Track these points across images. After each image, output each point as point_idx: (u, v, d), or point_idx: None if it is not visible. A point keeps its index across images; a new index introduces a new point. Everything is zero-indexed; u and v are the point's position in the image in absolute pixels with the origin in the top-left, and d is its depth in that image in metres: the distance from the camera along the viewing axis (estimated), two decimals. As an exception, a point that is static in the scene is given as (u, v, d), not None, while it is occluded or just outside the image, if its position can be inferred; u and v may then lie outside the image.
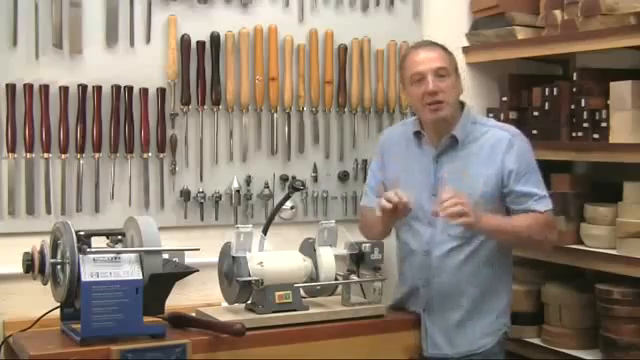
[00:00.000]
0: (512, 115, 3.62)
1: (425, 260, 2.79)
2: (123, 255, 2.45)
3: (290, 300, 2.66)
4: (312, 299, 2.80)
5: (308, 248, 2.81)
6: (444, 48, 2.86)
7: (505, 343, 2.90)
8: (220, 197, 3.25)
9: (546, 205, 2.79)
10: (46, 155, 2.99)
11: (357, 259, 2.81)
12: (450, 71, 2.79)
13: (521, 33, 3.48)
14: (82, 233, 2.47)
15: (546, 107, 3.41)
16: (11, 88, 2.94)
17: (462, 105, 2.87)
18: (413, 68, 2.78)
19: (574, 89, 3.30)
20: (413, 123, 2.92)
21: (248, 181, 3.29)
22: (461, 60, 3.73)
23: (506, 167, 2.76)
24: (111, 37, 3.09)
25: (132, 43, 3.12)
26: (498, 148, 2.77)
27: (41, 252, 2.47)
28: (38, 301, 2.60)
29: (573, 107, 3.29)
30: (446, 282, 2.77)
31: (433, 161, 2.81)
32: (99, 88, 3.06)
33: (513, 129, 2.88)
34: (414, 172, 2.84)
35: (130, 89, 3.11)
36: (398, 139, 2.95)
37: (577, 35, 3.17)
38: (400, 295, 2.91)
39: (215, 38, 3.23)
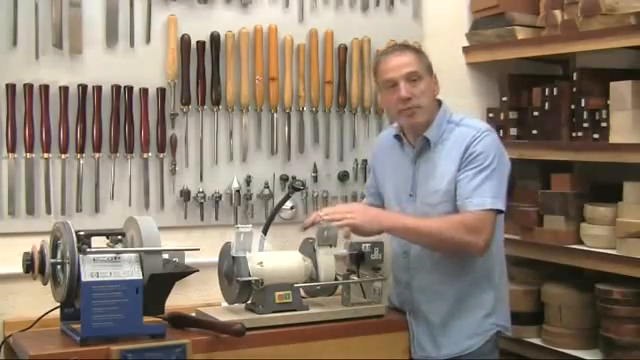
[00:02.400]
0: (512, 115, 3.62)
1: (405, 261, 2.80)
2: (123, 255, 2.45)
3: (290, 300, 2.66)
4: (312, 299, 2.80)
5: (308, 248, 2.81)
6: (416, 50, 2.84)
7: (497, 343, 2.83)
8: (220, 197, 3.25)
9: (480, 205, 2.63)
10: (46, 155, 2.99)
11: (357, 259, 2.81)
12: (422, 74, 2.74)
13: (521, 33, 3.48)
14: (82, 233, 2.47)
15: (546, 107, 3.41)
16: (11, 88, 2.94)
17: (440, 103, 2.82)
18: (385, 75, 2.75)
19: (574, 89, 3.30)
20: (395, 126, 2.91)
21: (248, 181, 3.29)
22: (461, 60, 3.74)
23: (463, 158, 2.69)
24: (111, 37, 3.09)
25: (132, 43, 3.12)
26: (462, 144, 2.70)
27: (41, 252, 2.47)
28: (38, 301, 2.60)
29: (573, 107, 3.29)
30: (425, 282, 2.76)
31: (412, 162, 2.80)
32: (99, 88, 3.06)
33: (483, 126, 2.78)
34: (397, 175, 2.84)
35: (130, 89, 3.11)
36: (385, 143, 2.95)
37: (577, 35, 3.17)
38: (391, 296, 2.91)
39: (215, 38, 3.23)
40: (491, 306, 2.76)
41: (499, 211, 2.67)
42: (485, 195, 2.64)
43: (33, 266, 2.46)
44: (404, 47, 2.86)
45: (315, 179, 3.39)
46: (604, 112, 3.14)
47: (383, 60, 2.79)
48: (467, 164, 2.67)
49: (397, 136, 2.87)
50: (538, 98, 3.46)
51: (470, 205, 2.63)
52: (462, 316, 2.73)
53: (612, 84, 3.10)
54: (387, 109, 2.97)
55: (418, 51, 2.84)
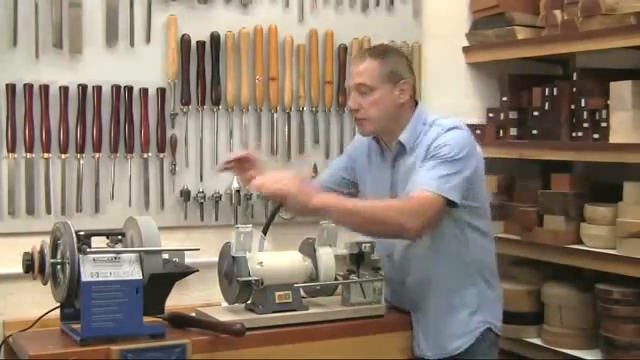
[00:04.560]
0: (512, 115, 3.63)
1: (390, 264, 2.79)
2: (123, 255, 2.45)
3: (290, 300, 2.66)
4: (312, 299, 2.80)
5: (308, 248, 2.81)
6: (378, 55, 2.70)
7: (494, 343, 2.77)
8: (220, 197, 3.25)
9: (424, 187, 2.52)
10: (46, 155, 3.00)
11: (357, 259, 2.81)
12: (375, 85, 2.64)
13: (521, 33, 3.48)
14: (82, 233, 2.46)
15: (546, 107, 3.41)
16: (11, 88, 2.94)
17: (416, 105, 2.75)
18: (349, 80, 2.76)
19: (574, 89, 3.30)
20: None
21: (248, 181, 3.29)
22: (461, 60, 3.75)
23: (424, 158, 2.62)
24: (111, 37, 3.09)
25: (132, 43, 3.13)
26: (430, 142, 2.64)
27: (41, 252, 2.47)
28: (38, 301, 2.59)
29: (573, 107, 3.30)
30: (411, 282, 2.74)
31: (390, 166, 2.76)
32: (99, 88, 3.06)
33: (450, 123, 2.66)
34: (377, 177, 2.81)
35: (130, 89, 3.11)
36: (367, 141, 2.87)
37: (577, 35, 3.17)
38: (386, 294, 2.90)
39: (215, 38, 3.23)
40: (475, 304, 2.71)
41: (452, 203, 2.55)
42: (432, 179, 2.53)
43: (33, 266, 2.45)
44: (367, 53, 2.75)
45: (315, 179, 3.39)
46: (604, 112, 3.14)
47: (352, 64, 2.79)
48: (427, 159, 2.60)
49: (375, 138, 2.82)
50: (538, 98, 3.46)
51: (415, 188, 2.55)
52: (446, 316, 2.71)
53: (612, 84, 3.10)
54: None
55: (381, 56, 2.71)
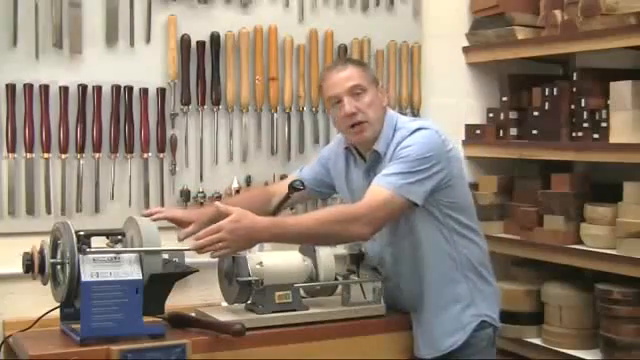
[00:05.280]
0: (512, 115, 3.63)
1: (384, 268, 2.77)
2: (123, 255, 2.45)
3: (290, 300, 2.66)
4: (312, 299, 2.80)
5: (308, 248, 2.81)
6: (359, 63, 2.77)
7: (491, 340, 2.74)
8: (220, 197, 3.24)
9: (382, 187, 2.51)
10: (46, 155, 3.00)
11: (357, 259, 2.81)
12: (367, 86, 2.65)
13: (521, 33, 3.48)
14: (82, 233, 2.46)
15: (546, 107, 3.41)
16: (11, 88, 2.94)
17: (385, 112, 2.72)
18: (329, 91, 2.68)
19: (574, 89, 3.30)
20: (342, 139, 2.83)
21: (248, 181, 3.29)
22: (461, 60, 3.75)
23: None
24: (111, 37, 3.09)
25: (132, 43, 3.13)
26: (394, 147, 2.63)
27: (41, 252, 2.47)
28: (38, 301, 2.59)
29: (573, 107, 3.30)
30: (405, 284, 2.74)
31: (365, 175, 2.73)
32: (99, 88, 3.06)
33: (416, 125, 2.65)
34: (352, 187, 2.79)
35: (130, 89, 3.11)
36: (337, 155, 2.86)
37: (577, 35, 3.17)
38: (386, 299, 2.90)
39: (215, 38, 3.23)
40: (468, 298, 2.70)
41: (413, 203, 2.54)
42: (389, 179, 2.52)
43: (33, 266, 2.45)
44: (345, 61, 2.78)
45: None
46: (604, 112, 3.14)
47: (326, 76, 2.71)
48: (393, 156, 2.59)
49: (347, 149, 2.79)
50: (538, 98, 3.46)
51: (369, 193, 2.52)
52: (439, 313, 2.70)
53: (612, 84, 3.10)
54: (336, 126, 2.78)
55: (361, 64, 2.77)
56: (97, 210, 3.08)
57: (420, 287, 2.72)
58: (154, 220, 2.63)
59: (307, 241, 2.64)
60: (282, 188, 2.86)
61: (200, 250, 2.43)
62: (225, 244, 2.41)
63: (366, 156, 2.74)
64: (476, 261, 2.75)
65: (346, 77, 2.66)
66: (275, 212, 3.03)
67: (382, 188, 2.53)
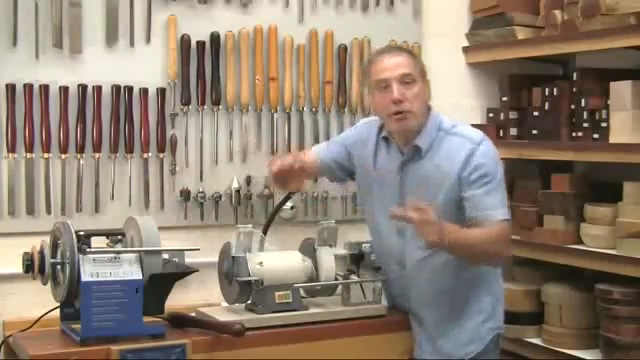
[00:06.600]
0: (512, 115, 3.63)
1: (400, 270, 2.74)
2: (123, 255, 2.45)
3: (290, 300, 2.66)
4: (312, 299, 2.80)
5: (308, 248, 2.81)
6: (410, 53, 2.75)
7: (498, 344, 2.80)
8: (220, 197, 3.25)
9: (502, 215, 2.61)
10: (46, 155, 3.00)
11: (357, 259, 2.81)
12: (416, 77, 2.64)
13: (521, 33, 3.48)
14: (82, 233, 2.47)
15: (546, 107, 3.41)
16: (11, 88, 2.94)
17: (429, 110, 2.73)
18: (378, 74, 2.65)
19: (574, 89, 3.30)
20: (372, 127, 2.81)
21: (248, 181, 3.29)
22: (461, 60, 3.75)
23: (464, 174, 2.61)
24: (111, 37, 3.09)
25: (132, 43, 3.13)
26: (458, 156, 2.62)
27: (41, 252, 2.47)
28: (38, 301, 2.59)
29: (573, 107, 3.30)
30: (423, 291, 2.71)
31: (399, 168, 2.71)
32: (99, 88, 3.06)
33: (476, 135, 2.68)
34: (382, 180, 2.75)
35: (130, 89, 3.11)
36: (371, 136, 2.81)
37: (577, 35, 3.17)
38: (388, 293, 2.88)
39: (215, 38, 3.23)
40: (490, 310, 2.74)
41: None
42: (500, 206, 2.61)
43: (33, 266, 2.46)
44: (399, 49, 2.78)
45: (315, 179, 3.39)
46: (604, 112, 3.14)
47: (377, 59, 2.69)
48: (474, 180, 2.60)
49: (385, 138, 2.76)
50: (538, 98, 3.46)
51: (492, 217, 2.58)
52: (461, 322, 2.70)
53: (612, 84, 3.10)
54: (376, 112, 2.77)
55: (413, 55, 2.76)
56: (97, 210, 3.08)
57: (445, 295, 2.70)
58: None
59: (466, 255, 2.61)
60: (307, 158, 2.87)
61: (409, 217, 2.44)
62: (439, 236, 2.45)
63: (404, 150, 2.71)
64: (496, 274, 2.78)
65: (398, 64, 2.64)
66: (275, 212, 3.04)
67: (502, 218, 2.60)
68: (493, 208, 2.60)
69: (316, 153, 2.94)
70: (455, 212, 2.62)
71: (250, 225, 2.73)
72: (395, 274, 2.76)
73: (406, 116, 2.63)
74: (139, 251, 2.46)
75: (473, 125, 3.74)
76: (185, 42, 3.19)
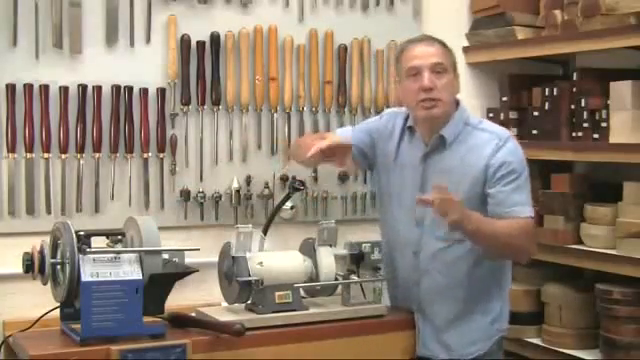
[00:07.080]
0: (512, 115, 3.63)
1: (414, 261, 2.74)
2: (123, 255, 2.45)
3: (290, 300, 2.66)
4: (312, 299, 2.80)
5: (308, 248, 2.81)
6: (443, 44, 2.75)
7: (502, 345, 2.81)
8: (220, 197, 3.25)
9: (529, 212, 2.64)
10: (46, 155, 3.00)
11: (357, 259, 2.81)
12: (447, 68, 2.67)
13: (521, 33, 3.48)
14: (82, 233, 2.46)
15: (546, 107, 3.41)
16: (11, 88, 2.95)
17: (457, 104, 2.75)
18: (410, 62, 2.66)
19: (574, 89, 3.30)
20: (398, 117, 2.82)
21: (248, 181, 3.29)
22: (461, 60, 3.74)
23: (490, 170, 2.63)
24: (111, 37, 3.09)
25: (132, 43, 3.13)
26: (484, 151, 2.64)
27: (41, 252, 2.47)
28: (38, 301, 2.59)
29: (573, 107, 3.30)
30: (435, 283, 2.71)
31: (421, 160, 2.72)
32: (99, 88, 3.06)
33: (503, 132, 2.72)
34: (404, 170, 2.76)
35: (130, 89, 3.11)
36: (396, 126, 2.82)
37: (577, 35, 3.17)
38: (392, 293, 2.88)
39: (215, 38, 3.23)
40: (499, 311, 2.74)
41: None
42: (526, 204, 2.64)
43: (33, 266, 2.45)
44: (433, 38, 2.76)
45: (315, 179, 3.40)
46: (604, 112, 3.14)
47: (410, 47, 2.70)
48: (500, 177, 2.62)
49: (410, 128, 2.77)
50: (538, 98, 3.46)
51: (517, 214, 2.60)
52: (470, 320, 2.70)
53: (612, 84, 3.10)
54: (405, 99, 2.74)
55: (446, 46, 2.75)
56: (97, 210, 3.08)
57: (458, 291, 2.70)
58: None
59: (491, 245, 2.61)
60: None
61: (432, 201, 2.46)
62: (459, 215, 2.47)
63: (428, 142, 2.71)
64: (508, 278, 2.79)
65: (431, 53, 2.66)
66: (275, 212, 3.04)
67: (529, 215, 2.63)
68: (519, 205, 2.62)
69: (346, 136, 2.83)
70: (478, 207, 2.62)
71: (250, 225, 2.72)
72: (409, 263, 2.76)
73: (434, 104, 2.64)
74: (139, 251, 2.46)
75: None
76: (185, 42, 3.19)
